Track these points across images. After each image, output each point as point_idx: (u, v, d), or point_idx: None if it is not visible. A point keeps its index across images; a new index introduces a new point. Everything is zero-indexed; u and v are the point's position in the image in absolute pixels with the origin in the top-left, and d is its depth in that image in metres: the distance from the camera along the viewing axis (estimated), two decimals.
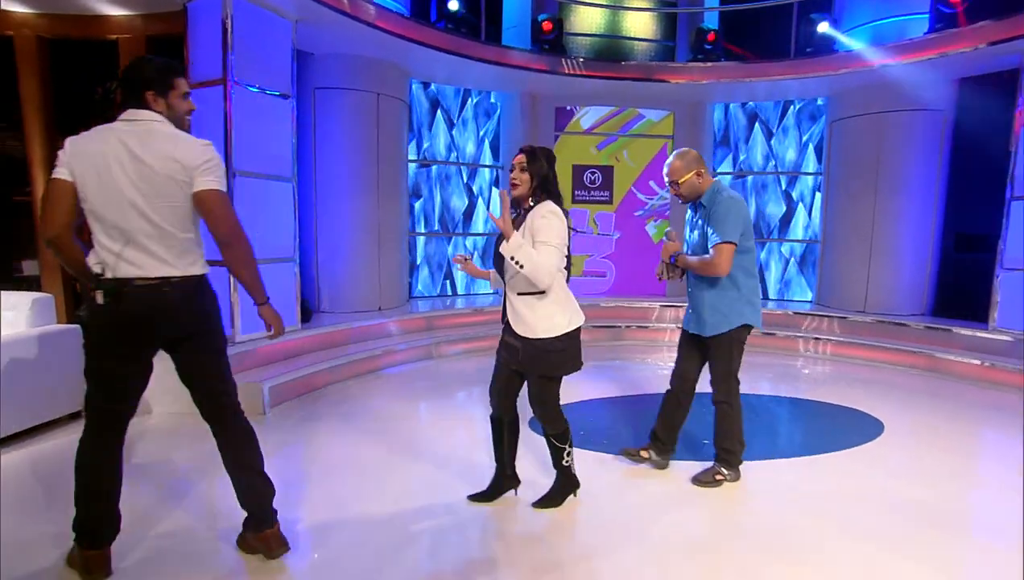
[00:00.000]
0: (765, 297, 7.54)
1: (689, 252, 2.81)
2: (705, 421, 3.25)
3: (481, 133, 7.20)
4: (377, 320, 5.41)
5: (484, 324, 6.14)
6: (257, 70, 4.16)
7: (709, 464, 2.94)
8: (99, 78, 5.39)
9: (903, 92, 5.80)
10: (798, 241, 7.35)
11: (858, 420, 4.02)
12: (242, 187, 4.05)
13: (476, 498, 2.69)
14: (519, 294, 2.34)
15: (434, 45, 5.34)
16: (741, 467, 2.93)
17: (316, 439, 3.58)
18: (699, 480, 2.88)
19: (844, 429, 3.86)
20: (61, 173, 1.90)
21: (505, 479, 2.69)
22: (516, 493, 2.73)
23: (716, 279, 2.67)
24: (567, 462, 2.59)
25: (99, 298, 1.92)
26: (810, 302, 7.20)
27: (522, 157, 2.33)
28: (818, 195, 7.10)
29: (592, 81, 6.48)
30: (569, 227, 2.37)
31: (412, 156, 6.60)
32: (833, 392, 4.68)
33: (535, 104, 7.05)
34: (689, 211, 2.88)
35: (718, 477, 2.85)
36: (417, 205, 6.83)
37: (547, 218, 2.26)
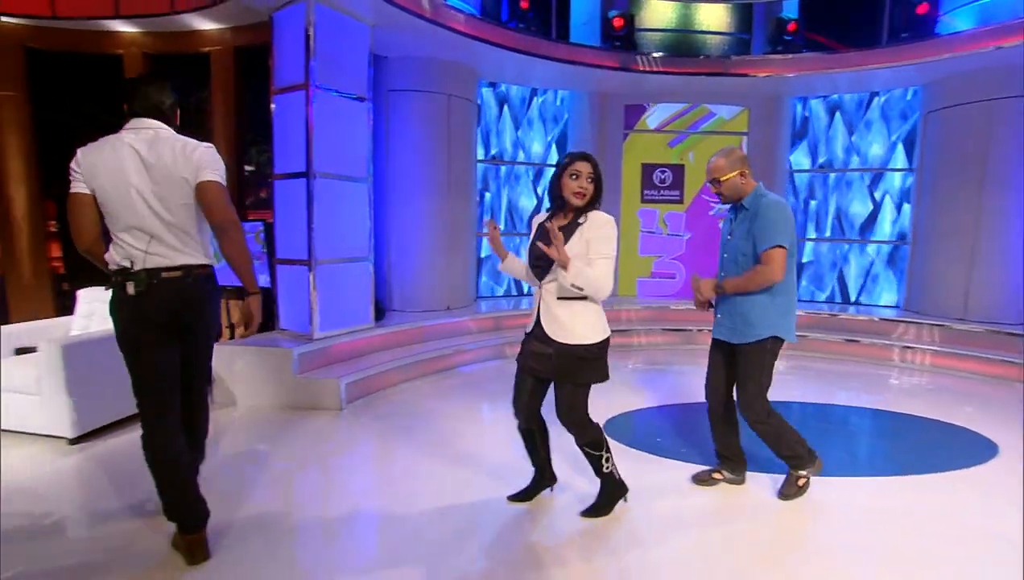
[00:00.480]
0: (845, 301, 7.07)
1: (727, 257, 2.66)
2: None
3: (549, 136, 7.15)
4: (447, 319, 5.47)
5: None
6: (336, 74, 4.28)
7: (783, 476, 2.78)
8: (191, 88, 5.75)
9: (1018, 76, 5.27)
10: (884, 242, 6.85)
11: (964, 439, 3.67)
12: (321, 188, 4.18)
13: (515, 498, 2.68)
14: (560, 298, 2.28)
15: (507, 45, 5.35)
16: (813, 483, 2.76)
17: (389, 435, 3.64)
18: (786, 495, 2.74)
19: (946, 448, 3.53)
20: (79, 187, 2.06)
21: (544, 479, 2.70)
22: (551, 491, 2.73)
23: None
24: (608, 468, 2.51)
25: (131, 289, 2.04)
26: (896, 306, 6.69)
27: (590, 168, 2.28)
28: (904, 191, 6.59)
29: (664, 77, 6.29)
30: None
31: (479, 156, 6.63)
32: (932, 406, 4.30)
33: (603, 102, 6.93)
34: (729, 214, 2.74)
35: (800, 482, 2.73)
36: (484, 204, 6.86)
37: (606, 229, 2.25)
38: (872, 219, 6.91)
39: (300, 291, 4.29)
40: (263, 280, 4.63)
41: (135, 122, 2.12)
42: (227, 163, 6.15)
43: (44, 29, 5.35)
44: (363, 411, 4.02)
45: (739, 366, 2.62)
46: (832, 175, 7.07)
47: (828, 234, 7.16)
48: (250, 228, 4.64)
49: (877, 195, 6.87)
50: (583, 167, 2.26)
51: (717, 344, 2.74)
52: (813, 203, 7.21)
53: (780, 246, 2.42)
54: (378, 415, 3.95)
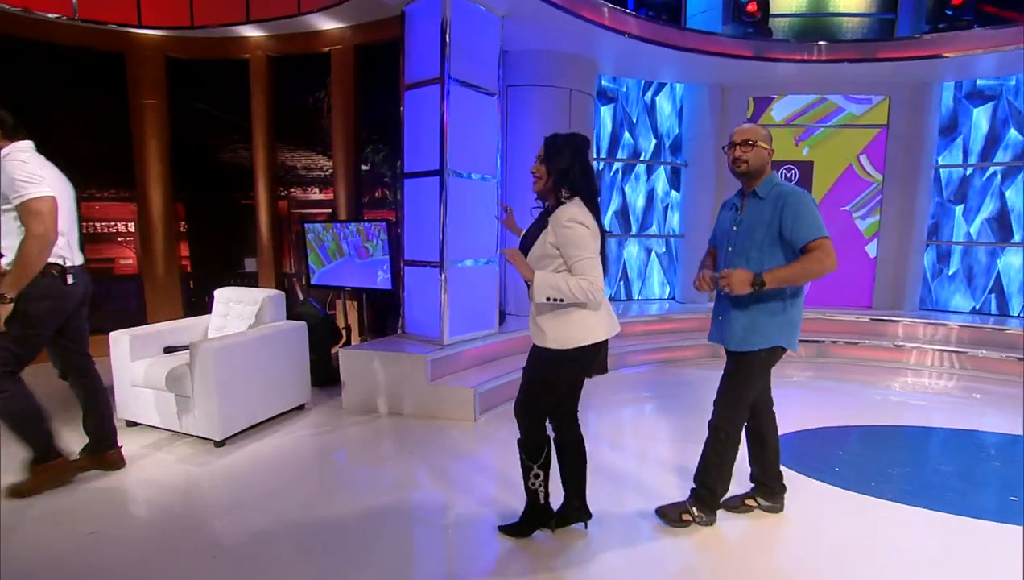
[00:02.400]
0: (1004, 312, 6.20)
1: (732, 250, 2.31)
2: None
3: (662, 131, 6.75)
4: None
5: (672, 333, 5.73)
6: (468, 68, 4.10)
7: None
8: (310, 88, 5.79)
9: None
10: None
11: None
12: (455, 188, 4.00)
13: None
14: (539, 304, 2.11)
15: (640, 36, 5.03)
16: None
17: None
18: (665, 514, 2.47)
19: None
20: (48, 191, 2.52)
21: (572, 509, 2.43)
22: (586, 527, 2.45)
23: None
24: (534, 486, 2.31)
25: (70, 279, 2.67)
26: None
27: (542, 148, 2.11)
28: None
29: (797, 66, 5.74)
30: (600, 226, 2.10)
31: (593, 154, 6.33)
32: None
33: (725, 95, 6.45)
34: (733, 201, 2.42)
35: (685, 517, 2.43)
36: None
37: (569, 228, 2.01)
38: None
39: (427, 294, 4.13)
40: (383, 280, 4.51)
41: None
42: (348, 163, 6.15)
43: (182, 39, 5.54)
44: (494, 421, 3.80)
45: (729, 368, 2.35)
46: (991, 169, 6.22)
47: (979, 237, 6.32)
48: (367, 229, 4.54)
49: None
50: (541, 149, 2.12)
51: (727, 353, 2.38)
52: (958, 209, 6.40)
53: (825, 237, 2.12)
54: (512, 428, 3.70)
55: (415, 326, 4.26)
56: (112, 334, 3.56)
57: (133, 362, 3.51)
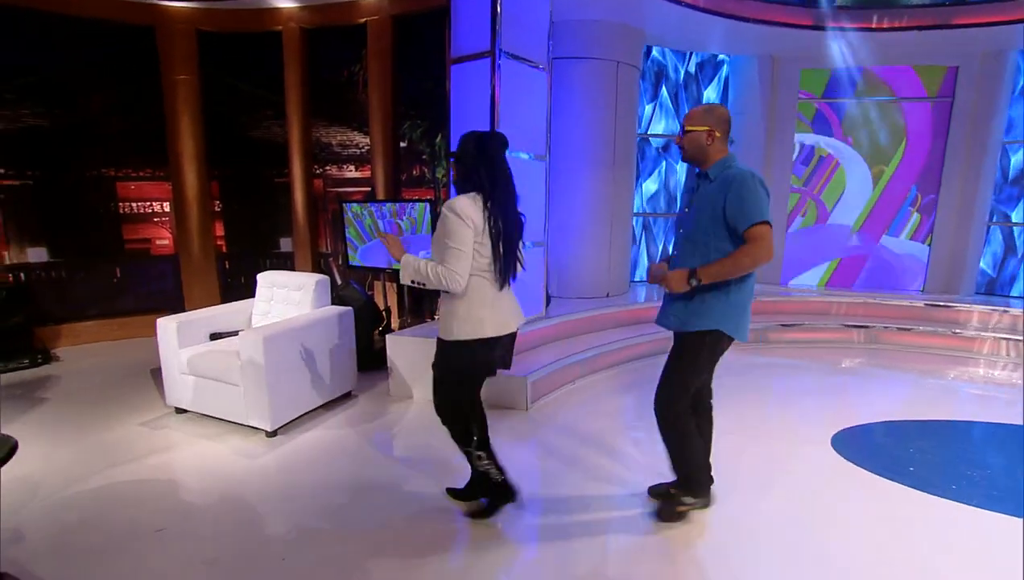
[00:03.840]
0: None
1: (682, 233, 2.28)
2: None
3: (706, 100, 6.45)
4: (611, 308, 5.03)
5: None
6: (518, 39, 3.86)
7: None
8: (345, 61, 5.58)
9: None
10: None
11: None
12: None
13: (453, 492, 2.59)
14: (443, 294, 2.20)
15: (691, 4, 4.73)
16: None
17: (572, 434, 3.31)
18: (660, 514, 2.44)
19: None
20: None
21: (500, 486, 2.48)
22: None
23: None
24: (482, 467, 2.37)
25: None
26: None
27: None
28: None
29: (856, 35, 5.39)
30: (490, 218, 2.10)
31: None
32: None
33: (775, 67, 6.11)
34: (689, 183, 2.36)
35: (681, 509, 2.43)
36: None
37: (444, 216, 2.09)
38: None
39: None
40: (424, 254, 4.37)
41: None
42: (385, 139, 5.97)
43: (213, 11, 5.34)
44: (544, 410, 3.69)
45: (673, 353, 2.33)
46: None
47: None
48: (397, 210, 4.39)
49: None
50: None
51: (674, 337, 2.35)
52: None
53: (766, 222, 2.04)
54: (563, 418, 3.59)
55: None
56: (159, 320, 3.48)
57: (181, 349, 3.44)
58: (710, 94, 6.39)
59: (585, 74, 5.10)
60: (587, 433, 3.36)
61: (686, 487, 2.42)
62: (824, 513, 2.53)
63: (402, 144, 5.57)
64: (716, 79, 6.37)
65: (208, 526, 2.42)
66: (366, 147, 5.64)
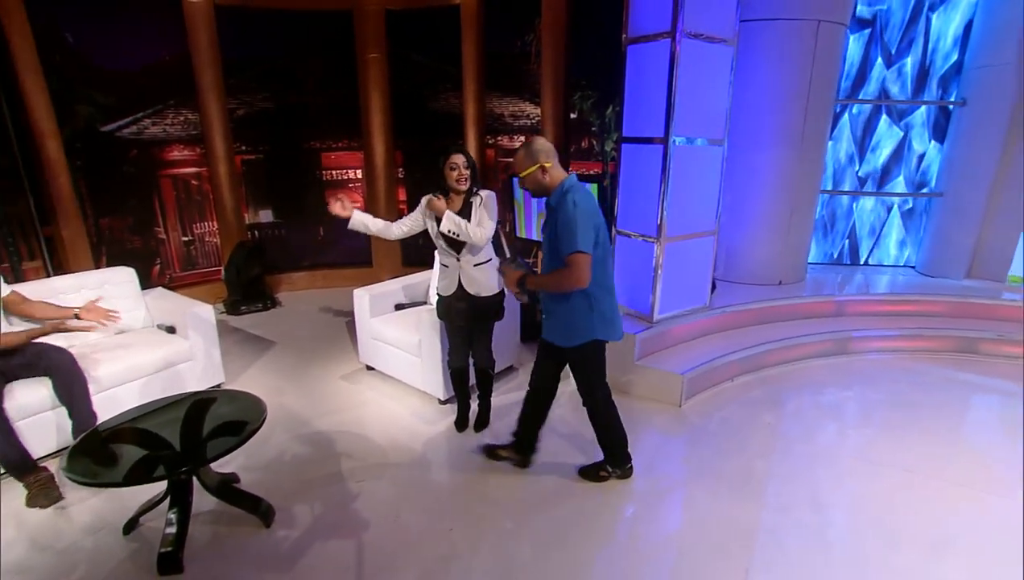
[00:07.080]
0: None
1: (544, 251, 2.56)
2: None
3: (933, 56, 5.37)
4: (781, 299, 4.66)
5: (910, 315, 4.81)
6: (701, 13, 3.55)
7: None
8: (518, 32, 5.62)
9: None
10: None
11: None
12: (678, 156, 3.65)
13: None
14: (475, 266, 3.01)
15: None
16: None
17: (728, 440, 3.26)
18: (584, 473, 2.91)
19: None
20: None
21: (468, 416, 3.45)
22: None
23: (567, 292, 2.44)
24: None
25: None
26: None
27: (464, 159, 2.88)
28: None
29: None
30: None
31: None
32: None
33: None
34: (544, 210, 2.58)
35: (602, 474, 2.88)
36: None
37: (490, 201, 2.96)
38: None
39: (638, 267, 3.96)
40: None
41: None
42: (556, 111, 6.01)
43: None
44: (699, 409, 3.64)
45: (571, 366, 2.68)
46: None
47: None
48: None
49: None
50: (458, 160, 2.85)
51: (543, 342, 2.69)
52: None
53: (580, 252, 2.27)
54: (718, 419, 3.52)
55: (622, 297, 4.16)
56: (355, 292, 4.04)
57: (372, 318, 3.98)
58: (944, 48, 5.32)
59: (776, 37, 4.55)
60: (739, 437, 3.28)
61: (613, 460, 2.85)
62: None
63: (572, 115, 5.55)
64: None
65: (394, 486, 2.88)
66: (536, 118, 5.72)
